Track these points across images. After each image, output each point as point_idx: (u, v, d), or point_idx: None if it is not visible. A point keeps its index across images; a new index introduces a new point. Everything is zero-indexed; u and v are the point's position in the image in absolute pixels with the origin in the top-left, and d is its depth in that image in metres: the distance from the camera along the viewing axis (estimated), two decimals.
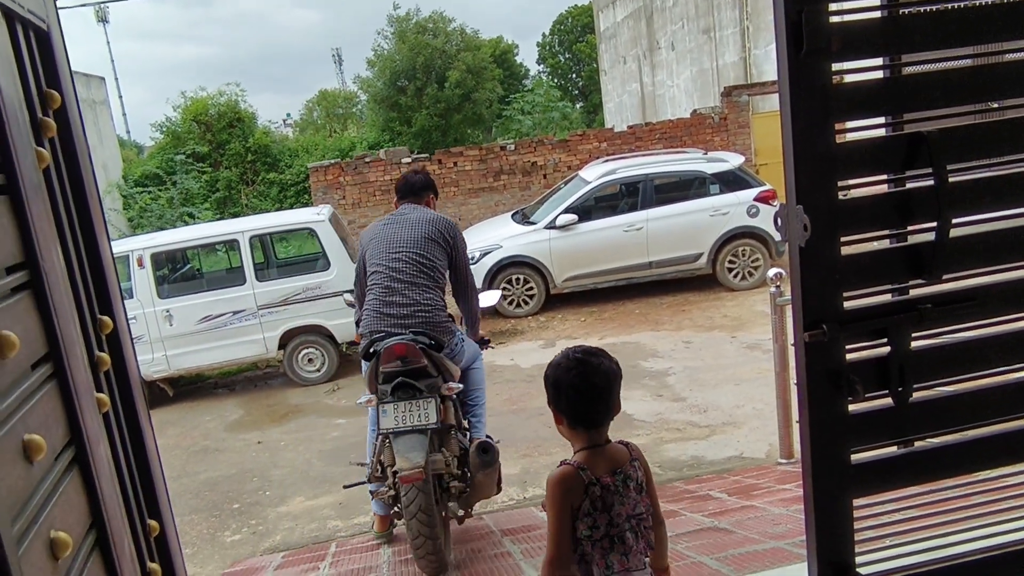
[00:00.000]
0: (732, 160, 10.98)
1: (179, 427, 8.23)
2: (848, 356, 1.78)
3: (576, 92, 38.56)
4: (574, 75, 39.89)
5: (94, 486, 1.10)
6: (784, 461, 5.14)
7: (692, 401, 6.95)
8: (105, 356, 1.25)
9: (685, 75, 20.34)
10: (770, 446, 5.69)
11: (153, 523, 1.38)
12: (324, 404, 8.38)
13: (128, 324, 1.46)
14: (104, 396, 1.20)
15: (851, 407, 1.80)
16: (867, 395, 1.77)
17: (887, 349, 1.79)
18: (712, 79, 18.52)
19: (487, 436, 3.99)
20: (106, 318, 1.30)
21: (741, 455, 5.77)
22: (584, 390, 1.92)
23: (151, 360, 8.63)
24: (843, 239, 1.73)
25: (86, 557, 1.06)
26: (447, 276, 3.98)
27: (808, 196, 1.69)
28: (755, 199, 10.27)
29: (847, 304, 1.77)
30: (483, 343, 4.43)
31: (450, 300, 4.07)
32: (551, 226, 10.38)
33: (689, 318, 9.64)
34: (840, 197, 1.71)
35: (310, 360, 9.06)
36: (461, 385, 3.92)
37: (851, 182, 1.74)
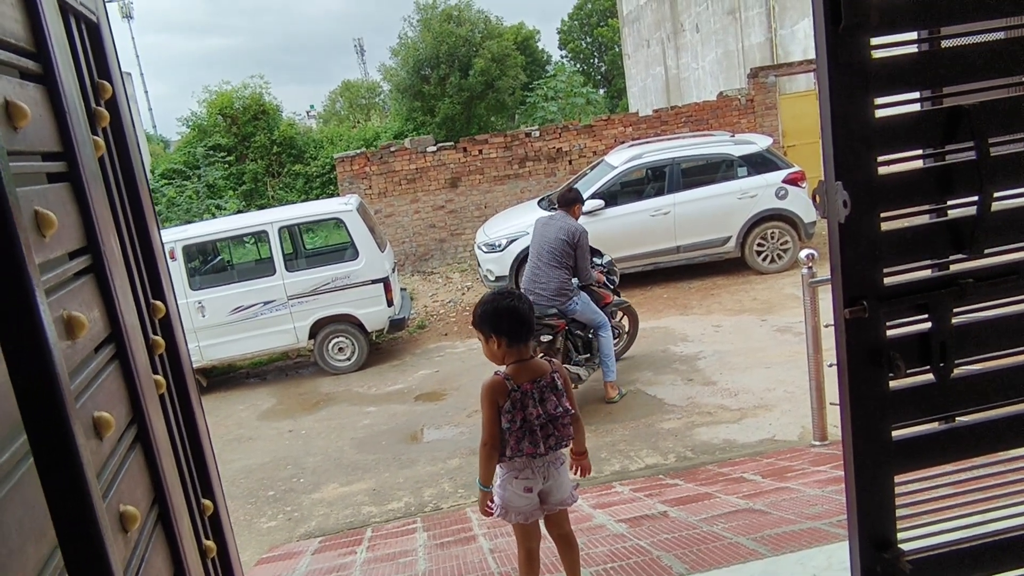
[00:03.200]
0: (760, 142, 10.86)
1: (213, 416, 8.35)
2: (888, 332, 1.78)
3: (599, 77, 38.29)
4: (596, 60, 39.60)
5: (156, 464, 1.13)
6: (818, 443, 5.12)
7: (723, 385, 6.93)
8: (160, 340, 1.29)
9: (710, 57, 20.12)
10: (803, 428, 5.66)
11: (207, 502, 1.42)
12: (355, 392, 8.46)
13: (178, 309, 1.49)
14: (160, 378, 1.23)
15: (892, 384, 1.79)
16: (908, 371, 1.76)
17: (928, 325, 1.78)
18: (738, 60, 18.30)
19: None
20: (159, 303, 1.33)
21: (773, 438, 5.75)
22: (517, 314, 2.62)
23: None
24: (883, 215, 1.72)
25: (151, 532, 1.09)
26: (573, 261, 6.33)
27: (848, 172, 1.68)
28: (783, 181, 10.17)
29: (887, 280, 1.76)
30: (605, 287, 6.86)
31: None
32: None
33: (718, 302, 9.60)
34: (880, 172, 1.70)
35: (340, 349, 9.15)
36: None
37: (890, 157, 1.72)
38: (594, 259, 7.01)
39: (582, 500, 4.50)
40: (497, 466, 2.67)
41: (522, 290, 6.52)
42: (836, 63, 1.64)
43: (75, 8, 1.17)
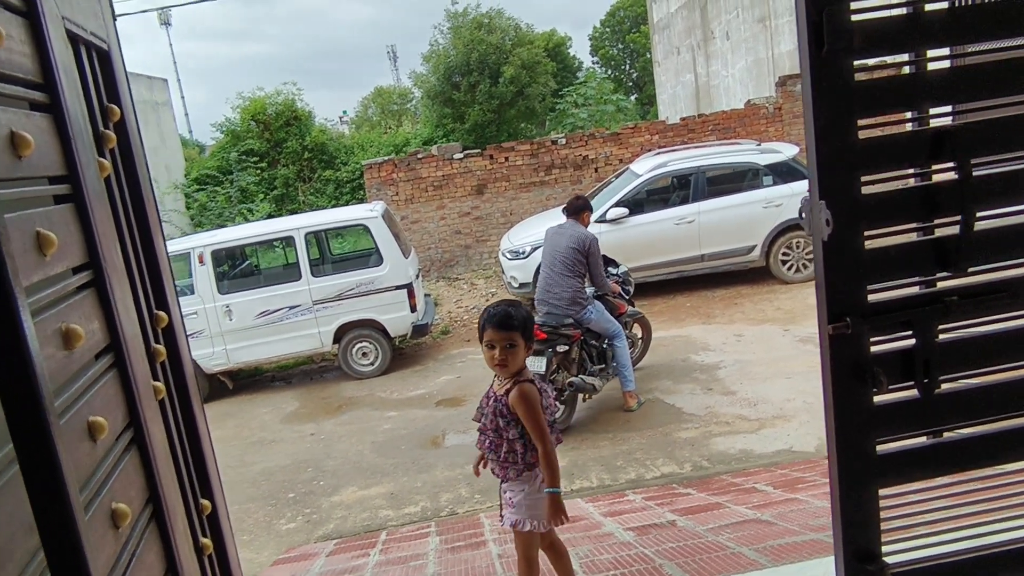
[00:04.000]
0: (786, 151, 10.81)
1: (238, 419, 8.51)
2: (873, 348, 1.81)
3: (630, 84, 38.24)
4: (627, 66, 39.56)
5: (151, 465, 1.21)
6: None
7: (742, 395, 6.93)
8: (161, 348, 1.37)
9: (740, 65, 20.04)
10: (819, 440, 5.65)
11: (205, 502, 1.50)
12: (377, 397, 8.57)
13: (183, 319, 1.58)
14: (160, 384, 1.31)
15: (877, 398, 1.83)
16: (892, 387, 1.80)
17: (912, 342, 1.81)
18: (768, 68, 18.21)
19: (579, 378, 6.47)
20: (162, 313, 1.42)
21: (791, 449, 5.74)
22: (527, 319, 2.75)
23: (212, 354, 8.94)
24: (867, 233, 1.76)
25: (143, 528, 1.17)
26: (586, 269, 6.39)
27: (831, 191, 1.72)
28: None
29: (872, 297, 1.80)
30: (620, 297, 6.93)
31: None
32: (601, 220, 10.37)
33: (741, 311, 9.57)
34: (863, 192, 1.74)
35: (364, 354, 9.27)
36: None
37: (873, 177, 1.76)
38: (609, 269, 7.03)
39: (592, 508, 4.55)
40: (527, 473, 2.71)
41: (535, 302, 6.58)
42: (819, 85, 1.69)
43: (85, 39, 1.26)
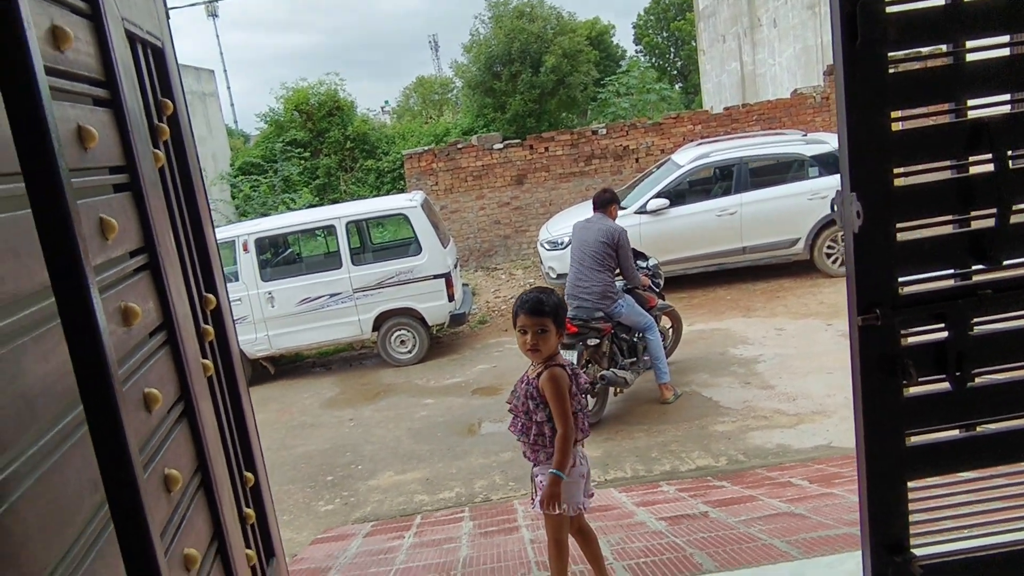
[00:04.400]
0: (833, 141, 10.60)
1: (279, 403, 8.70)
2: (904, 340, 1.82)
3: (675, 73, 37.86)
4: (672, 55, 39.17)
5: (199, 436, 1.29)
6: None
7: (781, 389, 6.88)
8: (209, 328, 1.45)
9: (788, 53, 19.72)
10: None
11: (249, 475, 1.58)
12: (414, 384, 8.69)
13: (229, 303, 1.66)
14: (208, 362, 1.39)
15: (907, 391, 1.84)
16: (922, 379, 1.81)
17: (945, 334, 1.82)
18: (816, 56, 17.89)
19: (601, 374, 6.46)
20: (210, 296, 1.49)
21: (829, 444, 5.70)
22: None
23: (255, 340, 9.14)
24: (899, 225, 1.77)
25: (193, 495, 1.25)
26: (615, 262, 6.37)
27: (863, 183, 1.74)
28: None
29: (903, 290, 1.81)
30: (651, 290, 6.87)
31: None
32: (641, 211, 10.35)
33: (783, 305, 9.48)
34: (896, 184, 1.75)
35: (402, 342, 9.40)
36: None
37: (907, 169, 1.77)
38: (639, 262, 7.00)
39: (625, 497, 4.58)
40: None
41: (566, 296, 6.58)
42: (853, 77, 1.70)
43: (142, 37, 1.33)
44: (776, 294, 9.94)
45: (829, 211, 9.89)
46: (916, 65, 1.76)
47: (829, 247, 10.16)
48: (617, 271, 6.48)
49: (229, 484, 1.43)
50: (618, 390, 6.68)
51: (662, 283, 7.37)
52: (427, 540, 4.14)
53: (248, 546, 1.51)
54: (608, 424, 6.46)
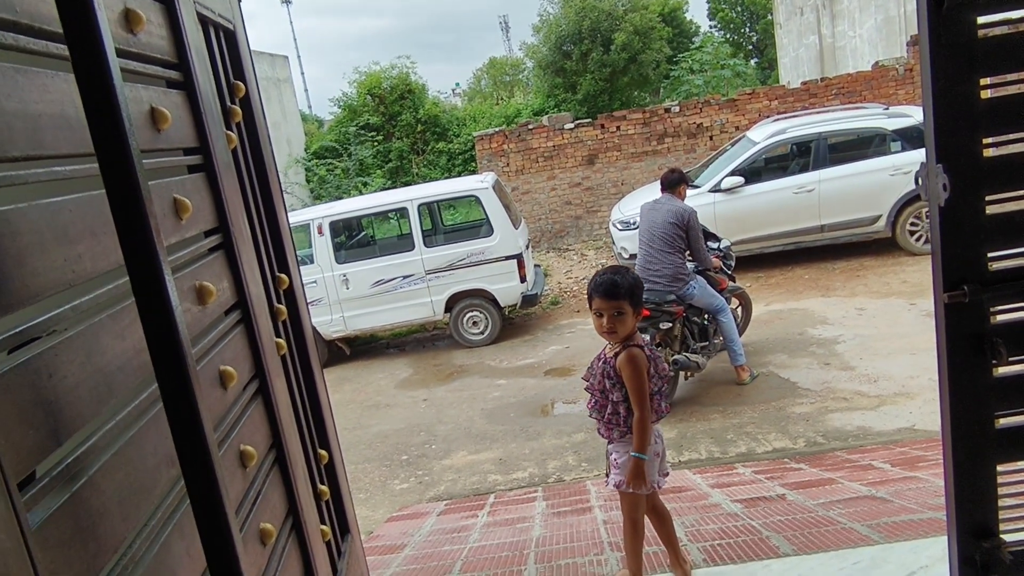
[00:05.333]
0: (916, 115, 10.17)
1: (355, 383, 8.89)
2: (994, 319, 1.74)
3: (750, 48, 36.83)
4: (747, 29, 38.08)
5: (274, 414, 1.32)
6: None
7: (862, 370, 6.67)
8: (282, 308, 1.48)
9: (868, 24, 18.94)
10: None
11: (323, 452, 1.62)
12: (487, 365, 8.75)
13: (302, 283, 1.69)
14: (281, 341, 1.42)
15: (997, 371, 1.75)
16: (1013, 359, 1.72)
17: None
18: (899, 27, 17.13)
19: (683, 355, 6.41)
20: (283, 276, 1.52)
21: (913, 427, 5.51)
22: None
23: (330, 321, 9.35)
24: (988, 198, 1.68)
25: (268, 470, 1.28)
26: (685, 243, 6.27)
27: (950, 155, 1.65)
28: None
29: (993, 265, 1.71)
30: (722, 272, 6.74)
31: None
32: (716, 189, 10.14)
33: (864, 284, 9.17)
34: (985, 155, 1.66)
35: (474, 323, 9.47)
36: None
37: (998, 139, 1.68)
38: (710, 243, 6.85)
39: (700, 479, 4.53)
40: (630, 435, 2.71)
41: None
42: (938, 43, 1.61)
43: (214, 20, 1.36)
44: (856, 273, 9.62)
45: (912, 187, 9.51)
46: (1007, 29, 1.65)
47: (912, 224, 9.77)
48: (688, 253, 6.36)
49: (303, 461, 1.46)
50: (688, 374, 6.58)
51: (733, 264, 7.21)
52: (500, 519, 4.18)
53: (323, 522, 1.55)
54: (682, 405, 6.39)
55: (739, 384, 6.68)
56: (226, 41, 1.46)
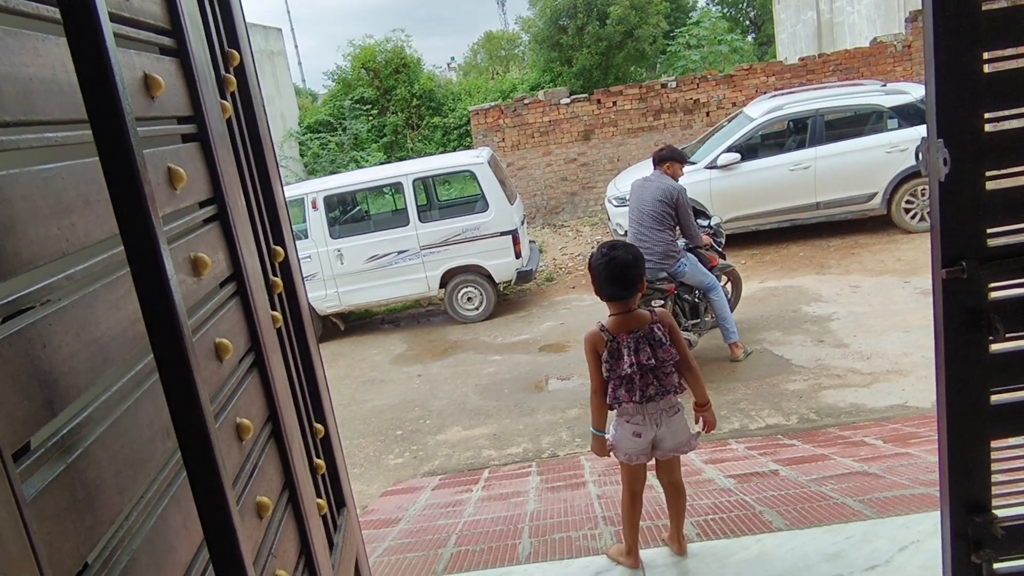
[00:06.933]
0: (914, 91, 10.13)
1: (349, 359, 8.89)
2: (991, 295, 1.73)
3: (747, 23, 36.56)
4: (744, 4, 37.78)
5: (270, 387, 1.31)
6: None
7: (855, 347, 6.70)
8: (278, 280, 1.46)
9: (867, 0, 18.84)
10: None
11: (319, 426, 1.61)
12: (481, 341, 8.76)
13: (298, 257, 1.67)
14: (277, 314, 1.41)
15: (993, 347, 1.76)
16: (1010, 335, 1.72)
17: None
18: (898, 3, 17.03)
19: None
20: (278, 248, 1.51)
21: (905, 404, 5.55)
22: (612, 271, 2.72)
23: (324, 296, 9.33)
24: (988, 173, 1.67)
25: (264, 444, 1.28)
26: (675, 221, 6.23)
27: (951, 129, 1.64)
28: None
29: (992, 241, 1.71)
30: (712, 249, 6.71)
31: None
32: (712, 166, 10.11)
33: (858, 261, 9.19)
34: (987, 130, 1.65)
35: (469, 299, 9.46)
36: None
37: (1000, 114, 1.66)
38: (700, 221, 6.82)
39: (694, 455, 4.55)
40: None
41: None
42: (943, 13, 1.59)
43: None
44: (851, 250, 9.63)
45: (908, 165, 9.50)
46: (1011, 1, 1.64)
47: (908, 202, 9.77)
48: (678, 230, 6.35)
49: (300, 435, 1.45)
50: None
51: (723, 242, 7.20)
52: (495, 494, 4.20)
53: (319, 496, 1.55)
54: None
55: (733, 361, 6.71)
56: (220, 8, 1.43)
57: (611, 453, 2.83)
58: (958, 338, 1.74)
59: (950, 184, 1.65)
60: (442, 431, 6.44)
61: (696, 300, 6.63)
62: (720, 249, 7.00)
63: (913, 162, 9.54)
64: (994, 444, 1.80)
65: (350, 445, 6.43)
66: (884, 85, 10.67)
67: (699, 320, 6.67)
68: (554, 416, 6.30)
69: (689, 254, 6.44)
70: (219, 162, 1.24)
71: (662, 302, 6.24)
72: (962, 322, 1.73)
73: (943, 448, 1.83)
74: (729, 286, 7.36)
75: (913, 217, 9.79)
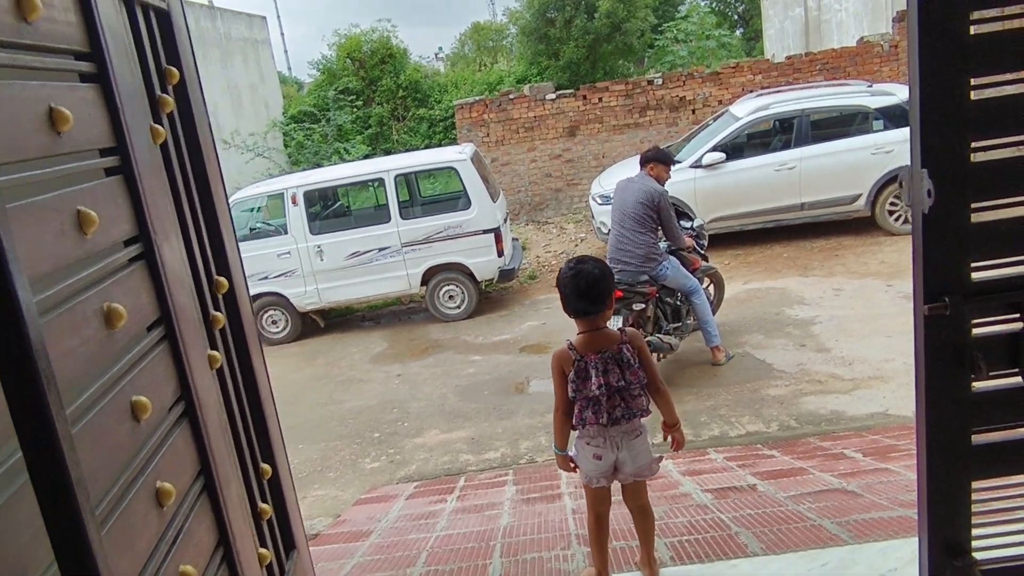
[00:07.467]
0: (900, 93, 10.08)
1: (328, 357, 8.78)
2: (974, 331, 1.66)
3: (735, 17, 36.49)
4: None
5: (202, 437, 1.21)
6: None
7: (837, 352, 6.66)
8: (219, 315, 1.36)
9: None
10: None
11: (266, 467, 1.51)
12: (462, 340, 8.66)
13: (246, 283, 1.57)
14: (217, 353, 1.31)
15: (975, 385, 1.68)
16: (993, 373, 1.65)
17: (1020, 325, 1.65)
18: (885, 2, 17.01)
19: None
20: (222, 279, 1.40)
21: (886, 412, 5.51)
22: (572, 290, 2.61)
23: (304, 293, 9.20)
24: (974, 205, 1.59)
25: (193, 502, 1.18)
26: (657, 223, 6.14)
27: (935, 159, 1.56)
28: None
29: (976, 276, 1.64)
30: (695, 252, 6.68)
31: None
32: (696, 165, 10.03)
33: (842, 263, 9.15)
34: (973, 159, 1.57)
35: (451, 297, 9.36)
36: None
37: (987, 143, 1.59)
38: (683, 222, 6.76)
39: (671, 465, 4.48)
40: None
41: (608, 260, 6.37)
42: (928, 38, 1.51)
43: (142, 0, 1.23)
44: (835, 252, 9.60)
45: (893, 167, 9.47)
46: (999, 26, 1.56)
47: (892, 204, 9.73)
48: (660, 232, 6.27)
49: (241, 481, 1.36)
50: (661, 356, 6.51)
51: (706, 244, 7.13)
52: (469, 505, 4.12)
53: (263, 544, 1.45)
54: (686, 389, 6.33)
55: (715, 365, 6.65)
56: (159, 23, 1.33)
57: (576, 469, 2.76)
58: (940, 375, 1.67)
59: (934, 216, 1.57)
60: (420, 434, 6.35)
61: (678, 303, 6.56)
62: (702, 251, 6.93)
63: (898, 164, 9.54)
64: (975, 485, 1.73)
65: (326, 447, 6.34)
66: (870, 86, 10.63)
67: (681, 323, 6.60)
68: (533, 420, 6.22)
69: (671, 256, 6.37)
70: (146, 195, 1.14)
71: (644, 305, 6.16)
72: (944, 359, 1.66)
73: (922, 488, 1.76)
74: (711, 288, 7.29)
75: (897, 219, 9.76)
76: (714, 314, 7.10)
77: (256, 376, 1.54)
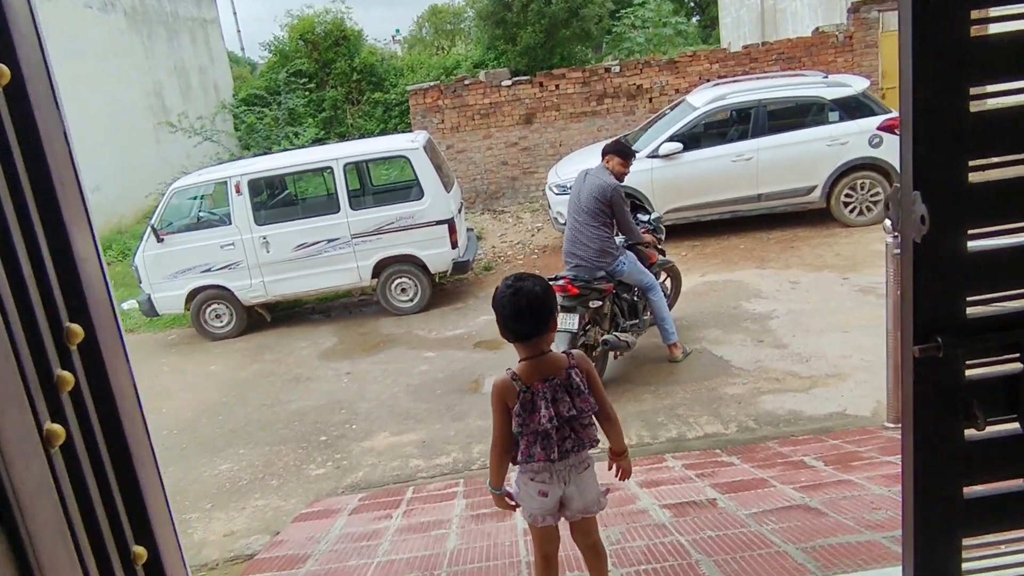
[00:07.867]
0: (856, 84, 10.07)
1: (275, 352, 8.43)
2: (968, 373, 1.46)
3: (692, 5, 36.47)
4: None
5: (24, 552, 0.95)
6: (891, 425, 4.75)
7: (795, 348, 6.55)
8: (66, 375, 1.09)
9: None
10: (877, 403, 5.28)
11: (139, 549, 1.25)
12: (415, 335, 8.39)
13: (118, 323, 1.30)
14: (59, 429, 1.04)
15: (968, 433, 1.49)
16: (989, 421, 1.45)
17: (1020, 366, 1.45)
18: None
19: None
20: (74, 326, 1.13)
21: (844, 411, 5.41)
22: (512, 312, 2.33)
23: (249, 286, 8.83)
24: (971, 231, 1.39)
25: None
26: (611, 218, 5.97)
27: (929, 181, 1.35)
28: (878, 128, 9.41)
29: (972, 311, 1.43)
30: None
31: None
32: (653, 155, 9.86)
33: (798, 255, 9.08)
34: (971, 180, 1.36)
35: (403, 290, 9.06)
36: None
37: (987, 161, 1.38)
38: (639, 216, 6.59)
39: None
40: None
41: (564, 254, 6.21)
42: (923, 45, 1.30)
43: None
44: (791, 244, 9.53)
45: (848, 159, 9.44)
46: (1002, 28, 1.35)
47: (847, 196, 9.71)
48: (615, 227, 6.08)
49: None
50: (618, 354, 6.33)
51: (663, 237, 6.97)
52: (415, 523, 3.88)
53: None
54: (613, 385, 6.15)
55: (672, 362, 6.50)
56: None
57: (517, 507, 2.53)
58: (930, 423, 1.47)
59: (927, 245, 1.36)
60: (369, 437, 6.08)
61: (635, 299, 6.39)
62: (659, 245, 6.76)
63: (852, 156, 9.51)
64: (966, 542, 1.54)
65: (269, 452, 6.04)
66: (826, 77, 10.57)
67: (638, 320, 6.43)
68: (486, 421, 5.93)
69: (628, 252, 6.18)
70: None
71: (600, 302, 5.97)
72: (935, 405, 1.45)
73: (908, 544, 1.57)
74: (668, 282, 7.14)
75: (852, 211, 9.74)
76: (671, 308, 6.94)
77: (128, 440, 1.26)
